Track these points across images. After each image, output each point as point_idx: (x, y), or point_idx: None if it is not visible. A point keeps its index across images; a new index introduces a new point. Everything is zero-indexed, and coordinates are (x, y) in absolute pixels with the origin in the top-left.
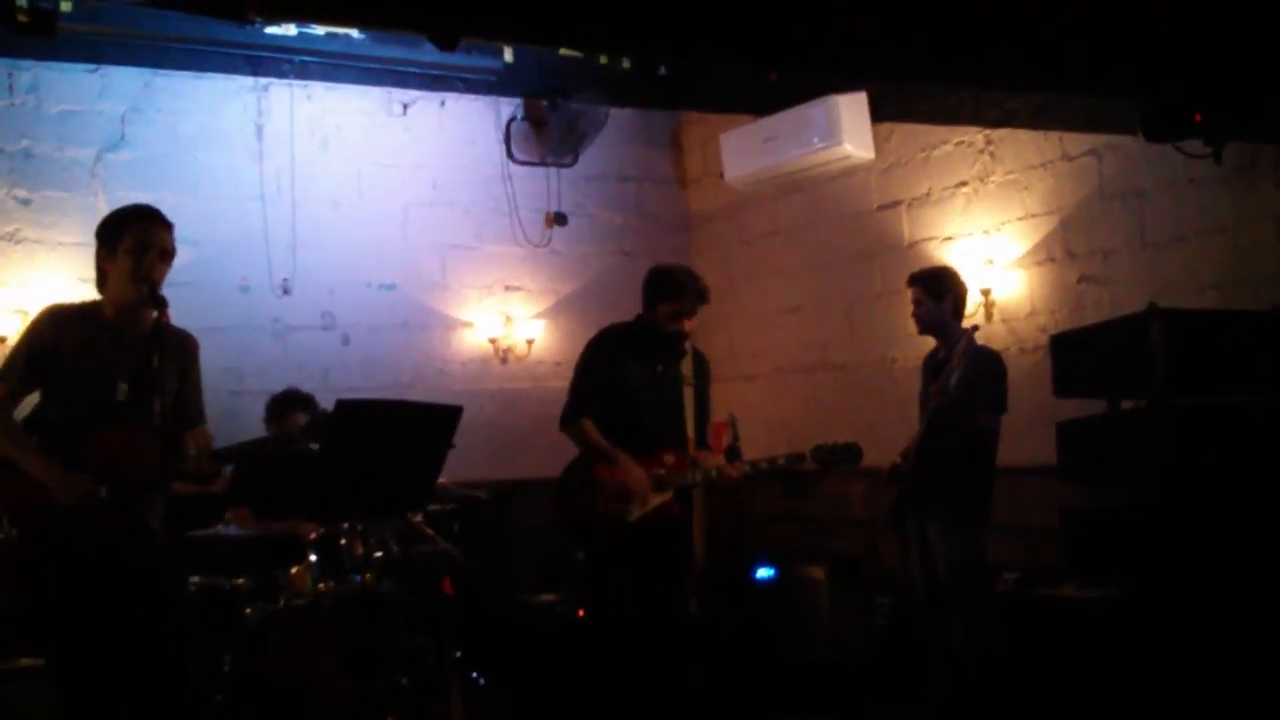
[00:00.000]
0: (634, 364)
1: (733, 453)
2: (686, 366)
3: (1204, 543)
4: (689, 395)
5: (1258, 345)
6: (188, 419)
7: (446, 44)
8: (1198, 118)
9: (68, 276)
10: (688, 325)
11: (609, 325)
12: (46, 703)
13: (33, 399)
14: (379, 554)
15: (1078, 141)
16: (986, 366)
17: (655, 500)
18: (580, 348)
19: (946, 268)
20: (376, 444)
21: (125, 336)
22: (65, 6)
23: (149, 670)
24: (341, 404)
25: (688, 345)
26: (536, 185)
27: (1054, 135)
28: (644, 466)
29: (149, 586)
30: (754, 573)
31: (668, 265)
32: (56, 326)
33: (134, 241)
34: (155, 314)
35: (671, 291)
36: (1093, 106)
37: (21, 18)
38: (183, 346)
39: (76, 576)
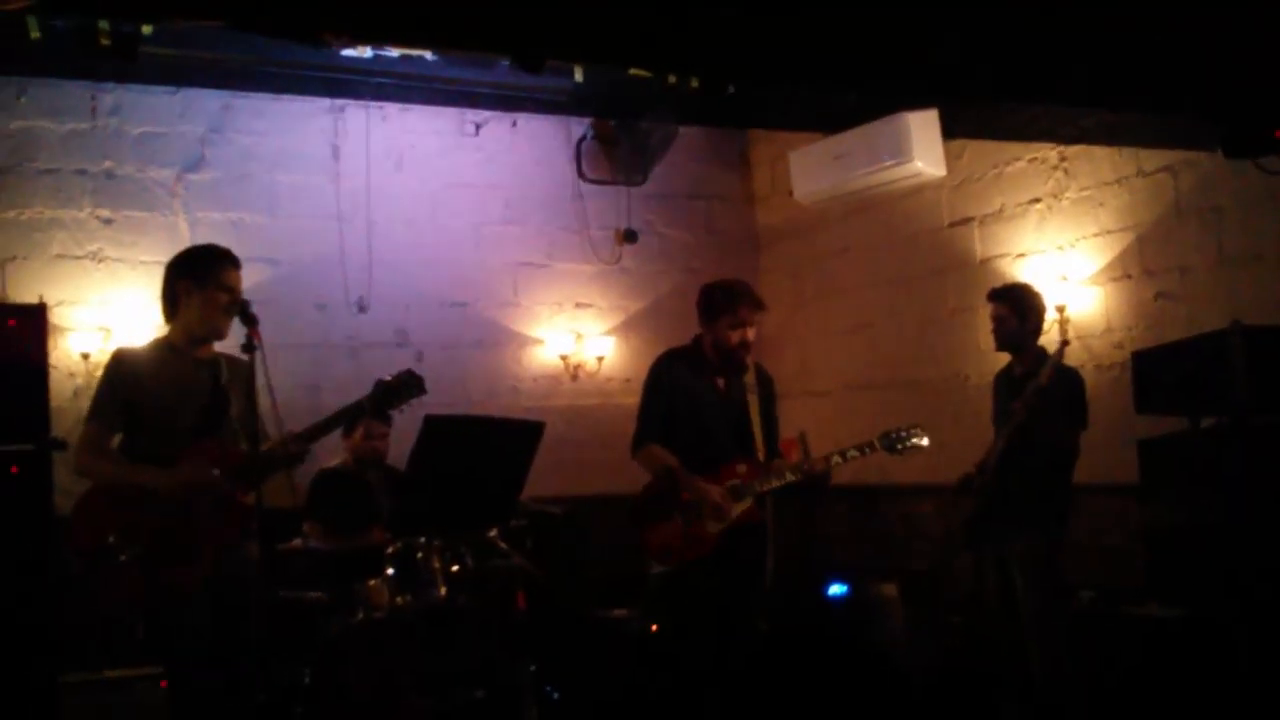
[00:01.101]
0: (697, 383)
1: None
2: (750, 380)
3: None
4: (754, 408)
5: None
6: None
7: (531, 67)
8: (1277, 134)
9: (148, 294)
10: (747, 336)
11: (668, 349)
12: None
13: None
14: (455, 568)
15: (1153, 158)
16: (1067, 383)
17: (737, 509)
18: (649, 364)
19: (1026, 285)
20: (462, 458)
21: (197, 365)
22: (146, 30)
23: (245, 679)
24: (430, 420)
25: (750, 360)
26: (607, 203)
27: (1129, 151)
28: (718, 480)
29: (243, 594)
30: (826, 590)
31: (720, 280)
32: (134, 363)
33: (219, 283)
34: (247, 330)
35: (729, 303)
36: (1168, 123)
37: (104, 41)
38: (244, 370)
39: (186, 585)
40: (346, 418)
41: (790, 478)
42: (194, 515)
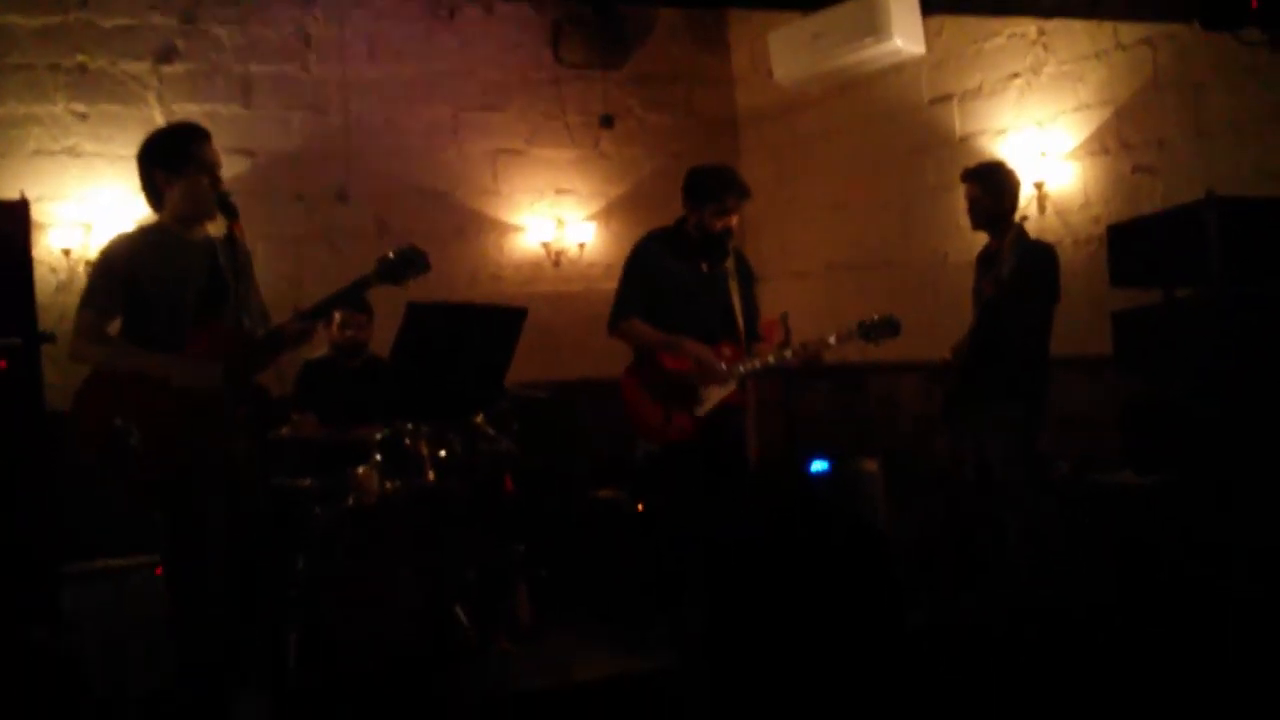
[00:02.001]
0: (680, 266)
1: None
2: (730, 265)
3: (1263, 432)
4: (735, 292)
5: None
6: (265, 320)
7: None
8: (1254, 4)
9: (127, 189)
10: (731, 223)
11: (650, 230)
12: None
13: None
14: (443, 453)
15: (1131, 31)
16: (1039, 258)
17: (721, 393)
18: (631, 249)
19: (1000, 163)
20: (446, 345)
21: (192, 246)
22: None
23: (241, 567)
24: (412, 306)
25: (730, 245)
26: (585, 88)
27: (1107, 25)
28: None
29: (247, 482)
30: (808, 466)
31: (707, 165)
32: (132, 246)
33: (197, 164)
34: (228, 222)
35: (716, 190)
36: None
37: None
38: (248, 256)
39: (194, 470)
40: (354, 293)
41: (772, 360)
42: (198, 405)
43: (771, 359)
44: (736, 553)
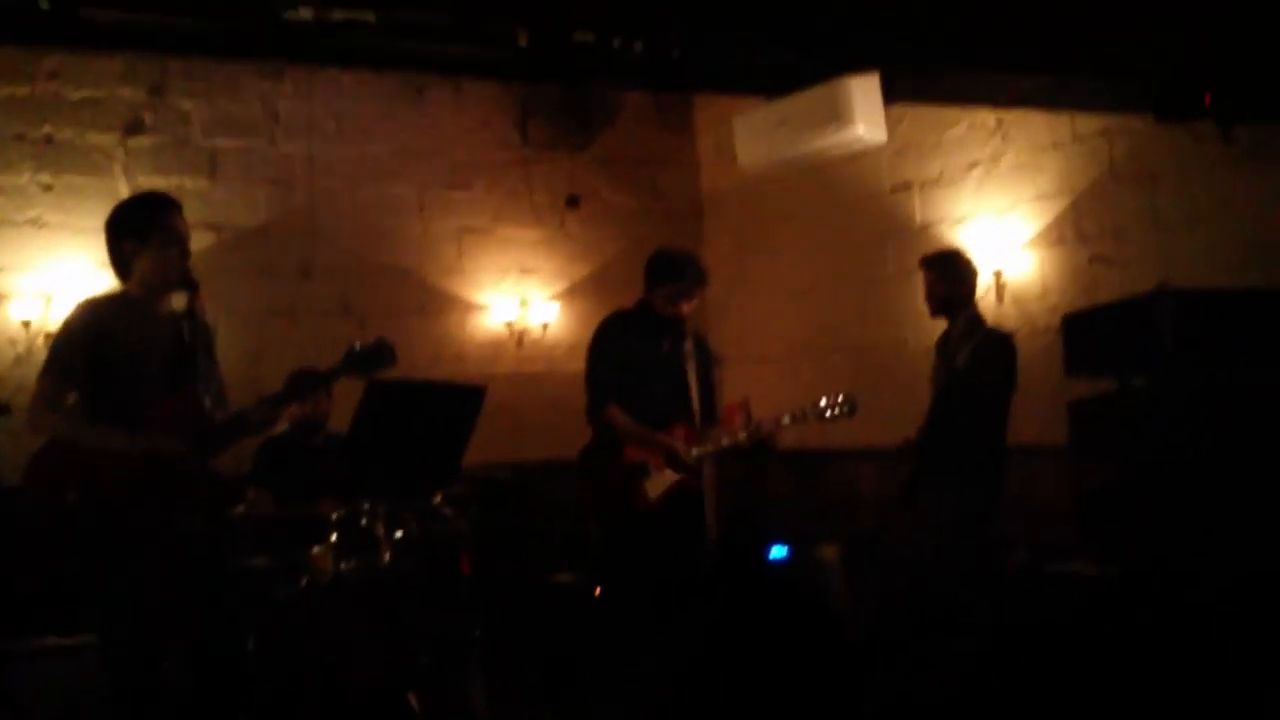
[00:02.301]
0: (642, 347)
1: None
2: (688, 347)
3: (1216, 518)
4: (692, 375)
5: (1267, 323)
6: (224, 398)
7: (474, 29)
8: (1208, 99)
9: (90, 261)
10: (688, 308)
11: (612, 312)
12: (85, 680)
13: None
14: (400, 533)
15: (1089, 122)
16: (995, 346)
17: (673, 476)
18: (594, 331)
19: (957, 250)
20: (405, 424)
21: (157, 316)
22: None
23: (192, 648)
24: (371, 385)
25: (688, 328)
26: (552, 169)
27: (1065, 116)
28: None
29: (200, 562)
30: (767, 552)
31: (669, 248)
32: (96, 315)
33: (165, 235)
34: (187, 296)
35: (673, 274)
36: (1104, 87)
37: (43, 5)
38: (209, 331)
39: (142, 550)
40: (319, 383)
41: (726, 443)
42: (156, 480)
43: (725, 441)
44: (692, 635)
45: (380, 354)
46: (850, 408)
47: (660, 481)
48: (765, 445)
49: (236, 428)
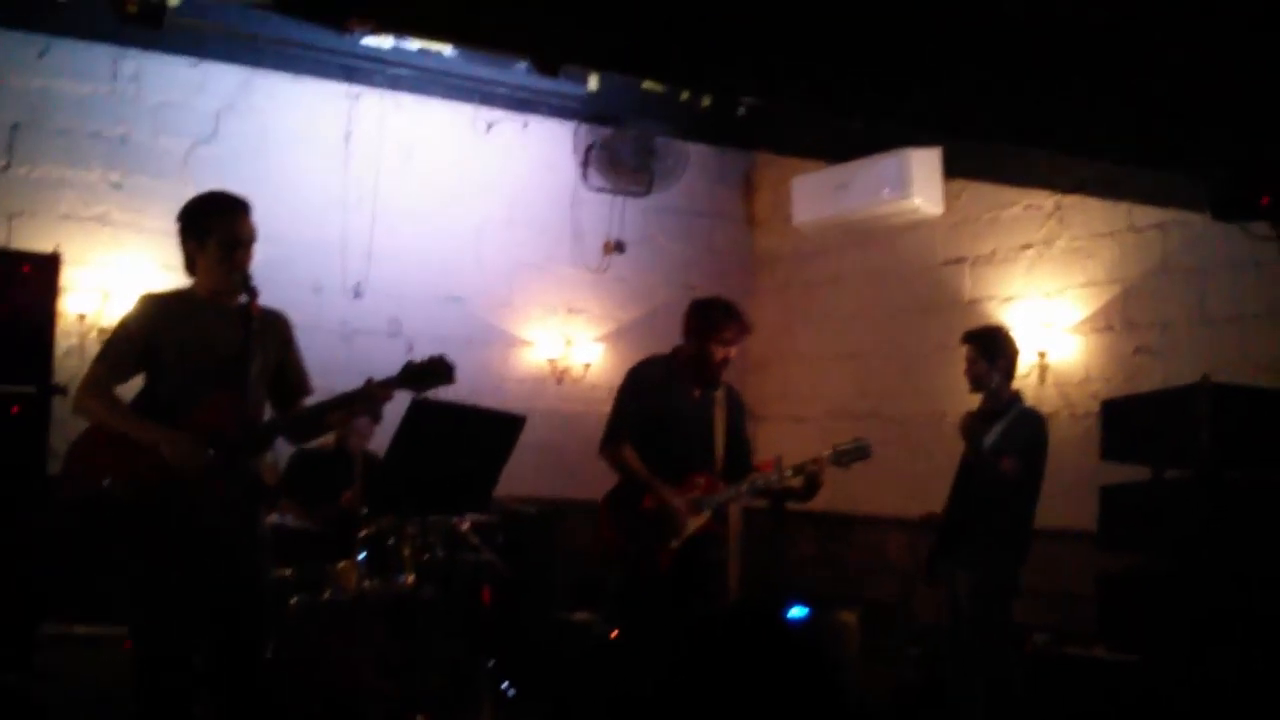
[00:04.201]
0: (671, 394)
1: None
2: (719, 395)
3: (1238, 616)
4: (720, 424)
5: None
6: (299, 389)
7: (548, 69)
8: (1265, 200)
9: (152, 262)
10: (722, 354)
11: (648, 356)
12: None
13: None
14: (425, 558)
15: (1145, 214)
16: (1027, 425)
17: (694, 523)
18: (628, 371)
19: (1000, 328)
20: (444, 444)
21: (220, 314)
22: (173, 1)
23: (226, 649)
24: (416, 403)
25: (721, 378)
26: (609, 212)
27: (1122, 206)
28: (679, 492)
29: (240, 563)
30: (786, 611)
31: (710, 297)
32: (156, 309)
33: (222, 237)
34: (246, 299)
35: (719, 321)
36: (1163, 181)
37: (131, 8)
38: (278, 324)
39: (173, 542)
40: (377, 393)
41: (745, 490)
42: (189, 477)
43: (744, 489)
44: (695, 680)
45: (440, 371)
46: (862, 452)
47: (684, 530)
48: (790, 494)
49: (271, 432)
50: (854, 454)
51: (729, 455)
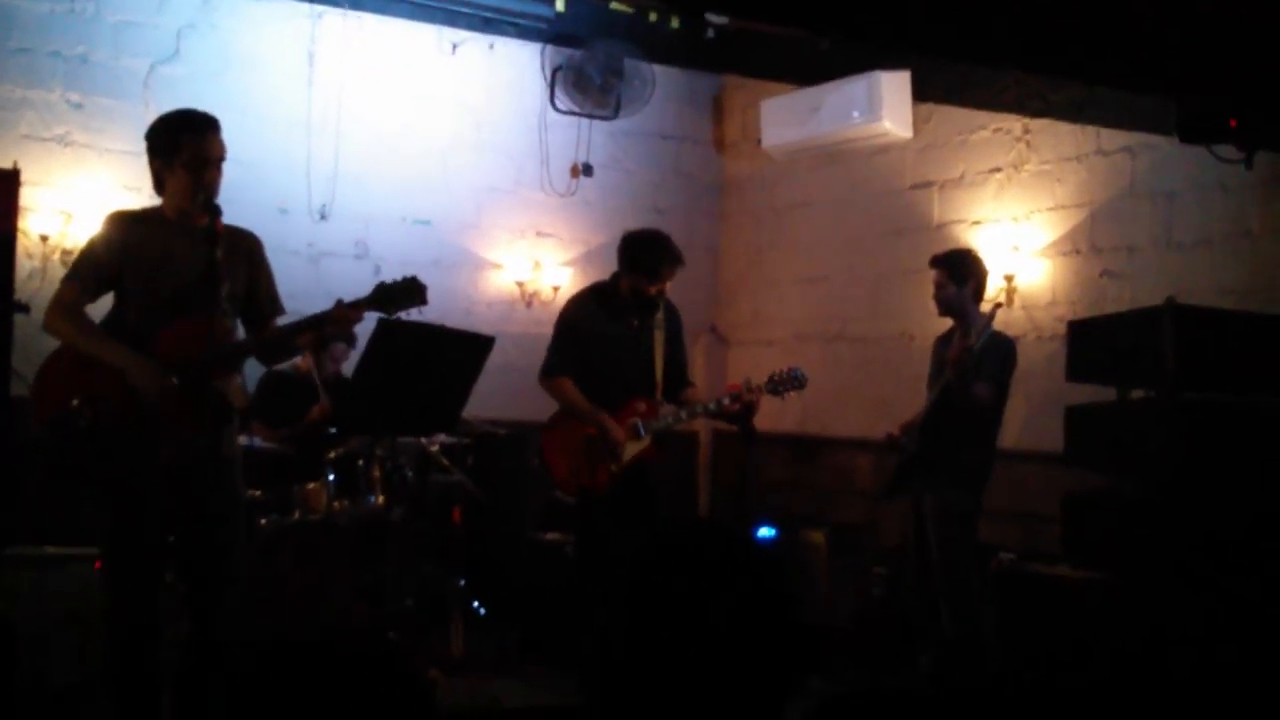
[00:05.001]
0: (610, 323)
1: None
2: (659, 316)
3: (1201, 535)
4: (659, 348)
5: (1271, 348)
6: (269, 309)
7: None
8: (1233, 123)
9: (113, 183)
10: (655, 290)
11: (589, 285)
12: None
13: (105, 305)
14: (395, 479)
15: (1113, 138)
16: (996, 348)
17: (634, 449)
18: (566, 303)
19: (969, 251)
20: (412, 364)
21: (188, 235)
22: None
23: (199, 569)
24: (384, 321)
25: (660, 301)
26: (575, 135)
27: (1090, 130)
28: (618, 418)
29: (207, 487)
30: (754, 532)
31: (643, 232)
32: (124, 229)
33: (190, 155)
34: (208, 219)
35: (651, 261)
36: (1131, 104)
37: None
38: (247, 242)
39: (140, 465)
40: (350, 312)
41: (685, 415)
42: (153, 403)
43: (684, 414)
44: (639, 599)
45: (411, 291)
46: (797, 381)
47: (625, 454)
48: (739, 417)
49: (289, 335)
50: (789, 383)
51: (666, 374)
